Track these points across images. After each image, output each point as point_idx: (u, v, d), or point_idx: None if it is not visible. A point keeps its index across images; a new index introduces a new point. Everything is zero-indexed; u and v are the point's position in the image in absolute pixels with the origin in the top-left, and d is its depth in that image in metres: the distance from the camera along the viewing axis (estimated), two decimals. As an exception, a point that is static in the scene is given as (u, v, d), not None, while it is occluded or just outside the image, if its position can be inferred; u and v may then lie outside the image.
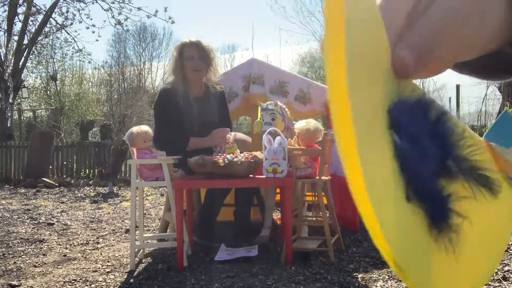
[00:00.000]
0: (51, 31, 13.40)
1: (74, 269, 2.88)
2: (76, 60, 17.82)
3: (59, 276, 2.72)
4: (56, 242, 3.69)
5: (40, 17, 12.82)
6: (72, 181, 8.75)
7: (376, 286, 2.41)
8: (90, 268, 2.88)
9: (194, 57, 3.23)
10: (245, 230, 3.45)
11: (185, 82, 3.26)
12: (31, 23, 12.74)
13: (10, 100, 12.05)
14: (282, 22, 46.20)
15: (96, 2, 12.47)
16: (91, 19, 17.25)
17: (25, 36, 12.55)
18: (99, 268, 2.88)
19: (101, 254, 3.24)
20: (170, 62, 3.35)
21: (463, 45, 0.31)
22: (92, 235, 3.91)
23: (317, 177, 3.00)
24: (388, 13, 0.30)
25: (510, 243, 3.17)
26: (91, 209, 5.43)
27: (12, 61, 12.12)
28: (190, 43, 3.26)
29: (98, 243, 3.61)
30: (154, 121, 3.36)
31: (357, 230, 3.71)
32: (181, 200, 2.77)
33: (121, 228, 4.18)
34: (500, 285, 2.35)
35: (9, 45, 12.39)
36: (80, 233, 4.04)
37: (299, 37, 50.27)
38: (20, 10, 12.58)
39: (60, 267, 2.94)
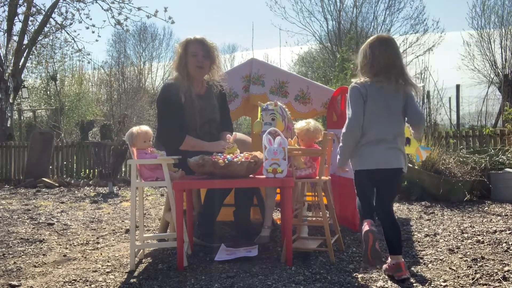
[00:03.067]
0: (51, 31, 13.38)
1: (74, 269, 2.88)
2: (76, 60, 17.84)
3: (59, 276, 2.72)
4: (56, 242, 3.69)
5: (40, 17, 12.81)
6: (72, 181, 8.75)
7: (376, 286, 2.41)
8: (90, 268, 2.88)
9: (198, 54, 3.24)
10: (245, 230, 3.46)
11: (188, 79, 3.27)
12: (31, 23, 12.71)
13: (10, 100, 12.05)
14: (282, 22, 46.12)
15: (96, 2, 12.44)
16: (91, 19, 17.32)
17: (25, 36, 12.52)
18: (99, 268, 2.87)
19: (101, 254, 3.24)
20: (174, 57, 3.37)
21: None
22: (92, 235, 3.91)
23: (317, 177, 3.00)
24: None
25: (511, 243, 3.17)
26: (91, 209, 5.44)
27: (12, 61, 12.11)
28: (194, 40, 3.27)
29: (98, 243, 3.61)
30: (157, 115, 3.36)
31: (357, 230, 3.71)
32: (181, 200, 2.77)
33: (121, 228, 4.19)
34: (500, 285, 2.35)
35: (9, 45, 12.38)
36: (80, 233, 4.04)
37: (299, 37, 50.21)
38: (20, 10, 12.56)
39: (60, 267, 2.94)
